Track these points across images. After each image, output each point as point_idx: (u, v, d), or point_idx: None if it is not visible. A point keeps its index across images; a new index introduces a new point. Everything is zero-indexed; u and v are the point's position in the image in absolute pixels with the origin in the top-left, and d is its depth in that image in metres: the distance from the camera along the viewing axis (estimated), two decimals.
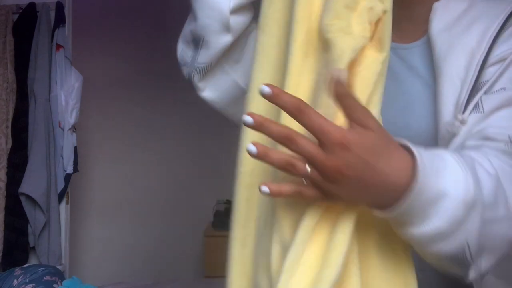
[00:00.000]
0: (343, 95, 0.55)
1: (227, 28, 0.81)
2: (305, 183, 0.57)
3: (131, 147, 3.44)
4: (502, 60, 0.76)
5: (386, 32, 0.67)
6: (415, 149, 0.58)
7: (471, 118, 0.74)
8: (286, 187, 0.57)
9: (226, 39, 0.82)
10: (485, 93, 0.75)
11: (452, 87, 0.77)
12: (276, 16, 0.72)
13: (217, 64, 0.87)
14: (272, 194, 0.57)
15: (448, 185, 0.58)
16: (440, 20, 0.82)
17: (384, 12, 0.67)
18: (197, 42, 0.86)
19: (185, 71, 0.93)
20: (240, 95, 0.89)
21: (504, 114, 0.73)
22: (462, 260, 0.62)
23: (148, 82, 3.45)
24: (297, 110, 0.54)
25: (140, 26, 3.46)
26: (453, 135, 0.74)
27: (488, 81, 0.75)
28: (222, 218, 2.98)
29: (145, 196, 3.42)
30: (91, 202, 3.42)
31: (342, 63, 0.60)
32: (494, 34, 0.77)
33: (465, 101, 0.75)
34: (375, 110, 0.62)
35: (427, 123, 0.80)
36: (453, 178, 0.59)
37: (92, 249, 3.40)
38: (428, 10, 0.84)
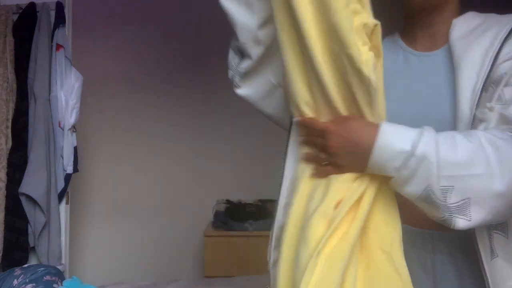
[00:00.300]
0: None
1: (258, 41, 1.02)
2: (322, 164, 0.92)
3: (131, 147, 3.44)
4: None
5: (379, 40, 0.87)
6: (382, 124, 0.87)
7: (497, 107, 0.91)
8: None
9: (259, 50, 1.03)
10: (505, 85, 0.91)
11: (469, 79, 0.94)
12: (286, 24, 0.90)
13: (254, 67, 1.07)
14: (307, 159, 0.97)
15: (401, 144, 0.84)
16: (458, 30, 1.02)
17: (375, 25, 0.86)
18: (241, 53, 1.07)
19: (230, 73, 1.12)
20: (272, 89, 1.09)
21: None
22: (433, 203, 0.84)
23: (148, 82, 3.45)
24: (309, 123, 0.93)
25: (140, 26, 3.46)
26: (480, 120, 0.92)
27: (506, 73, 0.92)
28: (222, 218, 2.98)
29: (145, 196, 3.42)
30: (91, 202, 3.42)
31: (367, 69, 0.84)
32: (505, 36, 0.95)
33: (480, 90, 0.92)
34: (382, 95, 0.88)
35: (446, 112, 0.98)
36: (405, 140, 0.84)
37: (92, 249, 3.40)
38: (447, 26, 1.04)
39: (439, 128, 0.88)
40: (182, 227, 3.39)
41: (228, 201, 3.17)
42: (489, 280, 0.90)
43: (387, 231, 0.87)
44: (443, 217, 0.84)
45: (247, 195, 3.30)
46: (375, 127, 0.86)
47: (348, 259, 0.82)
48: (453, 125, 0.95)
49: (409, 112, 1.00)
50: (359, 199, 0.86)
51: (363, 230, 0.86)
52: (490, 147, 0.83)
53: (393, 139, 0.85)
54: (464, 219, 0.83)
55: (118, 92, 3.44)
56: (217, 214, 3.07)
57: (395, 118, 0.91)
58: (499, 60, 0.93)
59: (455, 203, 0.83)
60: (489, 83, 0.92)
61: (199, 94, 3.42)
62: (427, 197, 0.84)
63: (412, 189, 0.84)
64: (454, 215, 0.83)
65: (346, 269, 0.82)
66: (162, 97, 3.44)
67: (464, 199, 0.83)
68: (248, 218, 2.86)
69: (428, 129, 0.86)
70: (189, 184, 3.40)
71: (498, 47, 0.94)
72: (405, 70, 1.09)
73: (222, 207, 3.14)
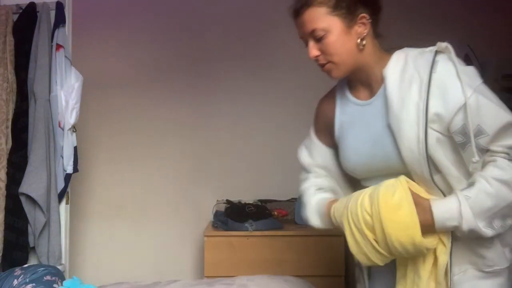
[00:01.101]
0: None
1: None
2: None
3: (131, 147, 3.44)
4: (460, 108, 1.17)
5: None
6: (433, 206, 1.21)
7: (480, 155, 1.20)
8: None
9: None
10: (478, 135, 1.17)
11: (412, 130, 1.20)
12: None
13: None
14: None
15: (450, 222, 1.20)
16: (390, 82, 1.26)
17: None
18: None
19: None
20: None
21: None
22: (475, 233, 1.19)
23: (148, 82, 3.45)
24: None
25: (140, 26, 3.46)
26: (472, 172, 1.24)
27: (461, 129, 1.19)
28: (222, 218, 2.98)
29: (145, 196, 3.41)
30: (91, 202, 3.42)
31: None
32: (426, 92, 1.20)
33: (424, 136, 1.20)
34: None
35: (391, 153, 1.26)
36: (452, 219, 1.19)
37: (92, 249, 3.40)
38: (376, 76, 1.31)
39: (388, 163, 1.28)
40: (182, 227, 3.39)
41: (228, 201, 3.17)
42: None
43: None
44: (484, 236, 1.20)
45: (247, 195, 3.29)
46: (429, 213, 1.20)
47: None
48: (399, 161, 1.25)
49: (364, 155, 1.33)
50: None
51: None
52: (498, 183, 1.16)
53: (445, 221, 1.19)
54: (485, 232, 1.18)
55: (118, 92, 3.44)
56: (217, 214, 3.07)
57: (356, 161, 1.35)
58: (430, 113, 1.19)
59: (498, 226, 1.20)
60: (459, 142, 1.20)
61: (199, 94, 3.42)
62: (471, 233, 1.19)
63: (460, 234, 1.21)
64: (489, 229, 1.19)
65: None
66: (162, 97, 3.44)
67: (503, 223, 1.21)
68: (248, 218, 2.86)
69: (464, 205, 1.17)
70: (189, 184, 3.40)
71: (426, 102, 1.19)
72: (354, 119, 1.37)
73: (222, 207, 3.14)
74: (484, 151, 1.19)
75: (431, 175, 1.22)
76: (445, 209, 1.18)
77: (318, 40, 1.26)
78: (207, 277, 2.76)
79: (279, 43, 3.38)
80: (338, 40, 1.25)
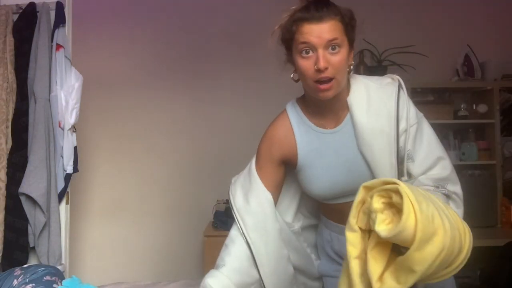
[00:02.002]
0: None
1: None
2: None
3: (131, 147, 3.44)
4: (404, 131, 1.31)
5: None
6: None
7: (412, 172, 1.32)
8: None
9: None
10: (408, 159, 1.31)
11: (385, 156, 1.30)
12: None
13: None
14: None
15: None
16: (358, 111, 1.32)
17: None
18: None
19: None
20: None
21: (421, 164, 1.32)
22: None
23: (148, 82, 3.45)
24: None
25: (140, 26, 3.46)
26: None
27: (401, 147, 1.30)
28: (222, 218, 2.98)
29: (145, 196, 3.42)
30: (91, 202, 3.42)
31: None
32: (395, 117, 1.30)
33: (396, 163, 1.30)
34: None
35: (368, 176, 1.30)
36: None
37: (92, 249, 3.40)
38: (342, 103, 1.34)
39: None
40: (182, 227, 3.39)
41: (228, 201, 3.17)
42: None
43: None
44: None
45: None
46: None
47: None
48: None
49: (339, 181, 1.35)
50: None
51: None
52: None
53: None
54: None
55: (118, 92, 3.44)
56: (217, 214, 3.07)
57: (327, 187, 1.35)
58: (399, 138, 1.30)
59: None
60: (401, 158, 1.31)
61: (199, 94, 3.42)
62: None
63: None
64: None
65: None
66: (162, 97, 3.45)
67: None
68: None
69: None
70: (189, 184, 3.40)
71: (395, 129, 1.30)
72: (321, 147, 1.36)
73: (222, 207, 3.14)
74: (409, 175, 1.32)
75: None
76: None
77: (331, 51, 1.23)
78: None
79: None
80: (344, 59, 1.25)
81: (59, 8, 2.45)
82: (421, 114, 1.36)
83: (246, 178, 1.48)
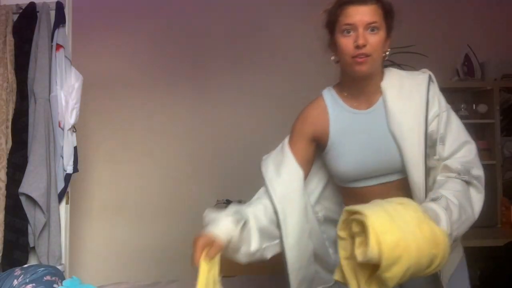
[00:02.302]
0: None
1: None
2: None
3: (131, 147, 3.44)
4: (436, 116, 1.41)
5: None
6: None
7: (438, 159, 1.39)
8: None
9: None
10: (439, 143, 1.39)
11: (413, 137, 1.38)
12: None
13: None
14: None
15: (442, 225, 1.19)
16: (390, 96, 1.43)
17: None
18: None
19: None
20: None
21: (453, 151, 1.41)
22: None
23: (148, 82, 3.45)
24: None
25: (140, 26, 3.46)
26: (430, 168, 1.39)
27: (433, 131, 1.39)
28: None
29: (145, 196, 3.42)
30: (91, 202, 3.42)
31: None
32: (426, 102, 1.41)
33: (423, 144, 1.38)
34: None
35: (396, 157, 1.39)
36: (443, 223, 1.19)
37: (92, 249, 3.40)
38: (376, 88, 1.46)
39: (391, 168, 1.41)
40: (182, 227, 3.38)
41: (228, 201, 3.17)
42: None
43: None
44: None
45: (247, 195, 3.29)
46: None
47: None
48: (402, 167, 1.39)
49: (369, 161, 1.42)
50: None
51: None
52: (459, 200, 1.28)
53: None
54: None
55: (118, 92, 3.44)
56: None
57: (354, 165, 1.43)
58: (429, 121, 1.39)
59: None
60: (429, 140, 1.39)
61: (199, 94, 3.42)
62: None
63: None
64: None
65: None
66: (162, 97, 3.45)
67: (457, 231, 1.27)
68: None
69: (444, 219, 1.21)
70: (189, 184, 3.40)
71: (425, 111, 1.40)
72: (353, 127, 1.46)
73: (222, 207, 3.14)
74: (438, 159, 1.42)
75: (425, 177, 1.37)
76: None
77: (371, 32, 1.38)
78: None
79: (279, 44, 3.38)
80: (381, 41, 1.40)
81: (59, 8, 2.46)
82: (449, 106, 1.47)
83: (279, 154, 1.59)
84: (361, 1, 1.39)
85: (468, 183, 1.37)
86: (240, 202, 3.09)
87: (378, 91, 1.46)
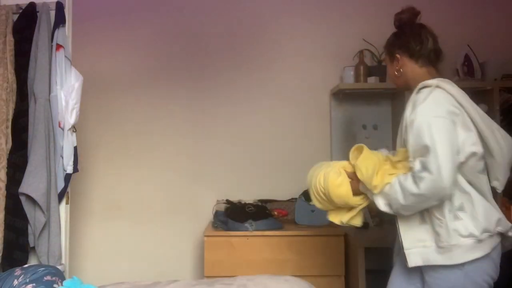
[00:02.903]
0: None
1: None
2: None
3: (131, 147, 3.44)
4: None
5: None
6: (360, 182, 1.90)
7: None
8: None
9: None
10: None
11: (400, 137, 1.87)
12: None
13: None
14: None
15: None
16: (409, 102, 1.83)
17: None
18: None
19: None
20: None
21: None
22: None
23: (148, 82, 3.45)
24: None
25: (140, 26, 3.46)
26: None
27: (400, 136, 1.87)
28: (222, 218, 2.98)
29: (145, 196, 3.42)
30: (91, 202, 3.42)
31: None
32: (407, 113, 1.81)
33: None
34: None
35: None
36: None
37: (92, 249, 3.41)
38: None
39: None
40: (182, 227, 3.39)
41: (228, 201, 3.17)
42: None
43: None
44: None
45: (247, 195, 3.30)
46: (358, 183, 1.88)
47: None
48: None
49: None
50: None
51: None
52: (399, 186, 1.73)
53: (364, 189, 1.87)
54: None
55: (118, 92, 3.44)
56: (217, 214, 3.07)
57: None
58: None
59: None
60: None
61: (199, 94, 3.42)
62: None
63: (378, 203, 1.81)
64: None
65: None
66: (162, 97, 3.45)
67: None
68: (248, 218, 2.86)
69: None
70: (189, 184, 3.40)
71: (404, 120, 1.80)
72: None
73: (222, 207, 3.14)
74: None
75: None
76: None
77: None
78: (207, 277, 2.76)
79: (279, 45, 3.38)
80: (388, 69, 2.01)
81: (59, 8, 2.45)
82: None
83: None
84: None
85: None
86: (240, 202, 3.11)
87: None
